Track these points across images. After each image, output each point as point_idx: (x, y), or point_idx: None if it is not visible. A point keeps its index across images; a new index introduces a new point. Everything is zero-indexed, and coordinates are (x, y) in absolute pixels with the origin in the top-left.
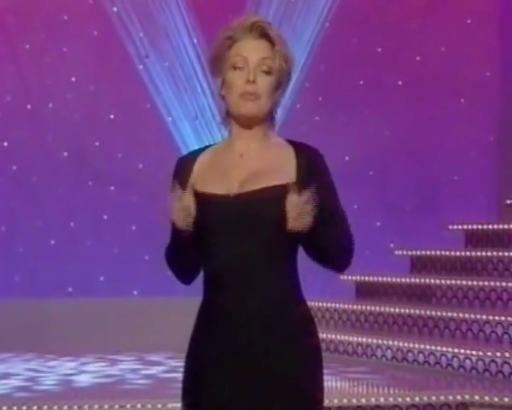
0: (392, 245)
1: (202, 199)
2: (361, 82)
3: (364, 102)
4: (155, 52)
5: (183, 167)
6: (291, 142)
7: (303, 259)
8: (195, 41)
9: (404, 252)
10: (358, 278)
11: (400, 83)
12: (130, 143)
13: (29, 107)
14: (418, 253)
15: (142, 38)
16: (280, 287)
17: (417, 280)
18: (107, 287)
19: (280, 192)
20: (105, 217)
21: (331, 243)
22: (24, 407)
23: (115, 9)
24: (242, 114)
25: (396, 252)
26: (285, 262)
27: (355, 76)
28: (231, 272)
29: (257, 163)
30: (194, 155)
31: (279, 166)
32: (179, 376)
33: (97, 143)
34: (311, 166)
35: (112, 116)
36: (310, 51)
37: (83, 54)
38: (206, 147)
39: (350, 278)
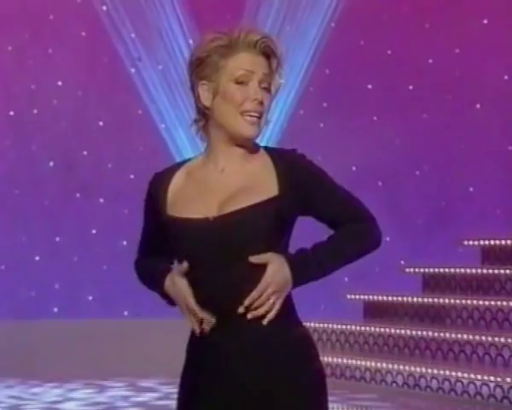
0: (402, 262)
1: (178, 225)
2: (369, 86)
3: (373, 108)
4: (148, 54)
5: (156, 189)
6: (268, 150)
7: None
8: (191, 42)
9: (416, 269)
10: (367, 297)
11: (411, 87)
12: (121, 152)
13: (12, 113)
14: (431, 270)
15: (133, 39)
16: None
17: (430, 300)
18: (96, 307)
19: (263, 209)
20: (94, 231)
21: (355, 250)
22: None
23: (105, 8)
24: (244, 136)
25: (407, 269)
26: None
27: (362, 80)
28: (218, 304)
29: (239, 178)
30: (170, 173)
31: (261, 180)
32: (173, 403)
33: (85, 152)
34: (293, 171)
35: (101, 123)
36: (314, 54)
37: (70, 56)
38: (181, 163)
39: (357, 297)
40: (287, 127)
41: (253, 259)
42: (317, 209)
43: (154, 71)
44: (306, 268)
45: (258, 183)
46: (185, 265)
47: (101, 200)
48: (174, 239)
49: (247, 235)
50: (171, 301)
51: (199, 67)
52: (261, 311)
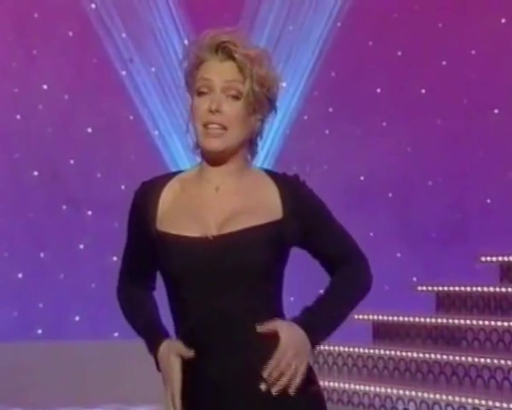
0: (414, 279)
1: (170, 242)
2: (378, 90)
3: (382, 113)
4: (140, 55)
5: (145, 200)
6: (269, 173)
7: (304, 290)
8: (187, 42)
9: (429, 288)
10: (376, 317)
11: (424, 91)
12: (111, 161)
13: None
14: (445, 288)
15: (125, 38)
16: (268, 342)
17: (445, 320)
18: (84, 328)
19: (267, 232)
20: (81, 246)
21: (347, 296)
22: None
23: (93, 6)
24: (206, 149)
25: (420, 287)
26: (272, 308)
27: (371, 83)
28: (210, 333)
29: (237, 199)
30: (160, 183)
31: (262, 202)
32: None
33: (72, 161)
34: (297, 198)
35: (89, 130)
36: (318, 55)
37: (56, 57)
38: (172, 174)
39: (366, 317)
40: (289, 134)
41: (260, 328)
42: (313, 242)
43: (147, 73)
44: (318, 324)
45: (260, 204)
46: (191, 353)
47: (90, 212)
48: (164, 257)
49: (250, 257)
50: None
51: (185, 81)
52: (284, 380)
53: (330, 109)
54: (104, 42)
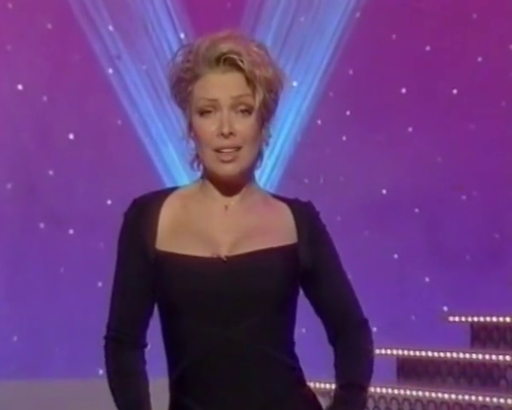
0: (445, 309)
1: (176, 263)
2: (403, 90)
3: (408, 117)
4: (130, 51)
5: (140, 219)
6: (281, 198)
7: (316, 322)
8: (183, 36)
9: (463, 318)
10: (401, 352)
11: (456, 92)
12: (96, 173)
13: None
14: (481, 319)
15: (112, 32)
16: (280, 378)
17: (480, 356)
18: (65, 364)
19: (284, 255)
20: (61, 270)
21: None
22: None
23: None
24: (219, 176)
25: (451, 318)
26: (284, 342)
27: (395, 83)
28: (215, 369)
29: (249, 218)
30: (157, 200)
31: (276, 224)
32: None
33: (51, 172)
34: (312, 226)
35: (71, 136)
36: (334, 50)
37: (33, 54)
38: (168, 190)
39: (389, 352)
40: (300, 141)
41: None
42: (316, 284)
43: (138, 72)
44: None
45: (273, 226)
46: None
47: (71, 231)
48: (165, 280)
49: (267, 280)
50: None
51: (172, 92)
52: None
53: (347, 112)
54: (88, 36)
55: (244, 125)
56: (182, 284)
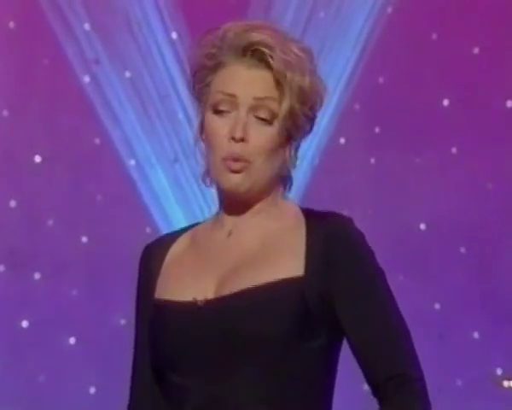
0: (499, 371)
1: (160, 313)
2: (445, 102)
3: (451, 135)
4: (111, 56)
5: (149, 265)
6: (305, 211)
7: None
8: (174, 37)
9: None
10: None
11: (510, 104)
12: (68, 203)
13: None
14: None
15: (88, 32)
16: None
17: None
18: None
19: (279, 291)
20: (24, 324)
21: None
22: None
23: None
24: (225, 188)
25: (506, 382)
26: (302, 401)
27: (435, 93)
28: None
29: (248, 246)
30: (166, 243)
31: (281, 250)
32: None
33: (14, 203)
34: (330, 245)
35: (38, 159)
36: (361, 53)
37: None
38: (189, 227)
39: None
40: (319, 163)
41: None
42: (343, 328)
43: (120, 80)
44: None
45: (277, 253)
46: None
47: (37, 275)
48: (151, 334)
49: (256, 328)
50: None
51: (192, 82)
52: None
53: (377, 129)
54: (60, 36)
55: (260, 136)
56: (161, 338)
